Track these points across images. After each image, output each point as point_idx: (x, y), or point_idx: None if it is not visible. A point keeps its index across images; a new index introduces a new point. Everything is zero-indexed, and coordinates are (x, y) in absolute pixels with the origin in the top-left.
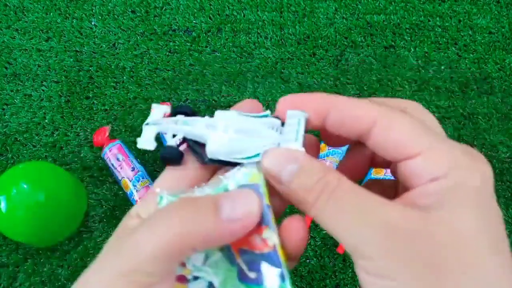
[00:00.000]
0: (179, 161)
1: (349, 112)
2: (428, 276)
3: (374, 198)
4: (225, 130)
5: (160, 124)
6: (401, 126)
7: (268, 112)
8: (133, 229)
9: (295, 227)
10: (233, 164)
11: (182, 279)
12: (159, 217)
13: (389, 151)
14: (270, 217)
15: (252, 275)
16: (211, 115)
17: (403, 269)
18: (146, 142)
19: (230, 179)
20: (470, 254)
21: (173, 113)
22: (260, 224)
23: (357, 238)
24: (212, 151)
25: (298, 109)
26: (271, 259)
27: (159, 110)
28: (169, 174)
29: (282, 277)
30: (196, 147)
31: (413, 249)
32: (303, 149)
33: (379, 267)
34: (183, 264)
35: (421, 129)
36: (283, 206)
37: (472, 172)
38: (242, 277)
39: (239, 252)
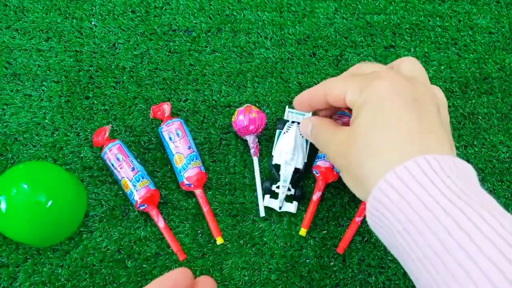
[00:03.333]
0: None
1: (331, 92)
2: (345, 165)
3: (335, 127)
4: (291, 159)
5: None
6: (340, 84)
7: (278, 131)
8: None
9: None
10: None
11: None
12: None
13: (342, 103)
14: None
15: None
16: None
17: (343, 166)
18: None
19: None
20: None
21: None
22: None
23: (326, 151)
24: (299, 166)
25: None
26: None
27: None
28: None
29: None
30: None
31: (340, 151)
32: (309, 114)
33: (337, 166)
34: None
35: (350, 77)
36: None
37: (372, 89)
38: None
39: None
